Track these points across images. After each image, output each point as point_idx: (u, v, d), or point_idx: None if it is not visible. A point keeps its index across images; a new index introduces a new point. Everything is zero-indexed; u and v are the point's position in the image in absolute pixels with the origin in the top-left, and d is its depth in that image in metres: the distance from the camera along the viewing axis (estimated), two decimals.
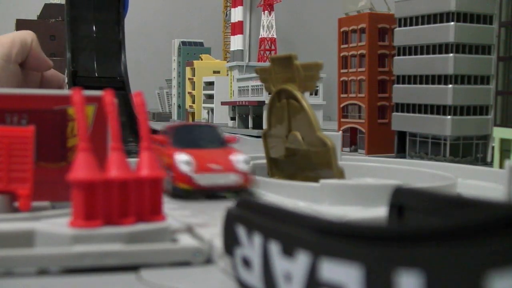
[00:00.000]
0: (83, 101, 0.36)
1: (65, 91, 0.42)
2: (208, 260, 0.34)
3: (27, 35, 0.76)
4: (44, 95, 0.45)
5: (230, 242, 0.30)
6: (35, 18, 7.83)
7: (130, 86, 0.90)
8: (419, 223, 0.19)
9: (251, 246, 0.27)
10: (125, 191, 0.34)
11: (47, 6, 7.72)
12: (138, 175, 0.35)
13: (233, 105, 7.04)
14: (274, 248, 0.25)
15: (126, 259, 0.33)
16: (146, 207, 0.35)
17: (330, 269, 0.22)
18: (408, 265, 0.18)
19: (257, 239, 0.27)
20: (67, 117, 0.44)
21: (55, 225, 0.35)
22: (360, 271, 0.20)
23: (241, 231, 0.28)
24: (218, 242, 0.34)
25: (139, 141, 0.37)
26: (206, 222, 0.40)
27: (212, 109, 8.16)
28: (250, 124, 6.73)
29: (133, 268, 0.33)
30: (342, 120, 5.39)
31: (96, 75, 0.91)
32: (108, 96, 0.36)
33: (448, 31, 4.46)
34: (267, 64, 0.63)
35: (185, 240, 0.36)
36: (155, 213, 0.36)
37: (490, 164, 4.34)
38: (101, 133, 0.42)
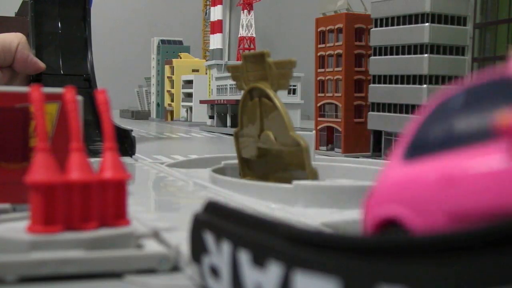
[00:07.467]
0: (42, 98, 0.33)
1: (27, 88, 0.40)
2: (175, 268, 0.33)
3: (14, 38, 0.77)
4: (5, 92, 0.43)
5: (198, 249, 0.28)
6: (13, 15, 7.71)
7: (97, 84, 0.88)
8: (401, 233, 0.18)
9: (220, 254, 0.25)
10: (87, 194, 0.32)
11: (25, 3, 7.63)
12: (101, 177, 0.33)
13: (211, 104, 7.01)
14: (244, 257, 0.23)
15: (87, 267, 0.31)
16: (109, 211, 0.33)
17: (304, 282, 0.20)
18: (390, 280, 0.16)
19: (226, 247, 0.25)
20: (30, 115, 0.42)
21: (11, 230, 0.33)
22: (337, 285, 0.18)
23: (209, 238, 0.26)
24: (185, 248, 0.32)
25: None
26: (173, 226, 0.38)
27: (191, 108, 8.14)
28: (229, 123, 6.72)
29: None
30: (319, 119, 5.40)
31: (62, 72, 0.88)
32: (69, 94, 0.34)
33: (423, 32, 4.50)
34: None
35: (151, 246, 0.34)
36: (119, 217, 0.34)
37: None
38: (66, 132, 0.40)
